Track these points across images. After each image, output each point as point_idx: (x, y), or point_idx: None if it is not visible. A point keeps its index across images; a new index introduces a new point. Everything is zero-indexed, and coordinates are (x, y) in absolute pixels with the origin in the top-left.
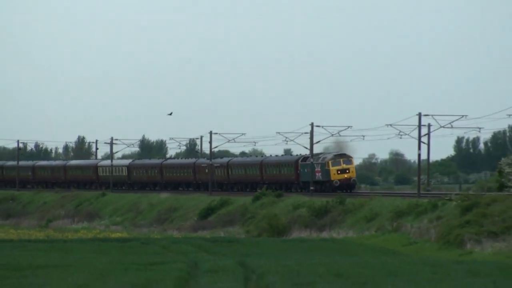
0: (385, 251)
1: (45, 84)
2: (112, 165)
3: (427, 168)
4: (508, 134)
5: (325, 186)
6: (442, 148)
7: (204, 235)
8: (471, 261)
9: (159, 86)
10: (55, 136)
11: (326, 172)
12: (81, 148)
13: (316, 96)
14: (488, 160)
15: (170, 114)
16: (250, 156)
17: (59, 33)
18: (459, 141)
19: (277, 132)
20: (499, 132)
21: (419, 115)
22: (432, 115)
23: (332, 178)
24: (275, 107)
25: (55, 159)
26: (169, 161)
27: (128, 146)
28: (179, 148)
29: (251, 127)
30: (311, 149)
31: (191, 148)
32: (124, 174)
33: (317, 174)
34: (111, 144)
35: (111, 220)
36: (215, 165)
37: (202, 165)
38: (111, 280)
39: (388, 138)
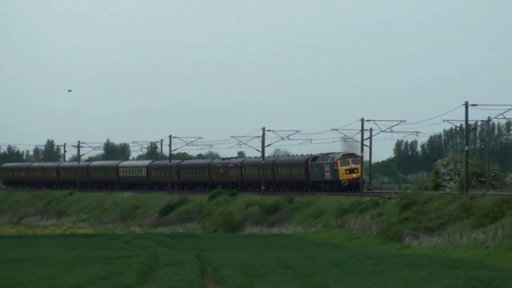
0: (330, 246)
1: (16, 89)
2: (76, 167)
3: (369, 169)
4: (443, 137)
5: (334, 186)
6: (383, 151)
7: (164, 231)
8: (409, 255)
9: (124, 90)
10: (26, 140)
11: (335, 172)
12: (51, 151)
13: (267, 101)
14: (425, 162)
15: (70, 91)
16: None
17: (25, 38)
18: (398, 144)
19: (231, 136)
20: (435, 136)
21: (362, 120)
22: (373, 120)
23: (340, 178)
24: (229, 112)
25: (26, 161)
26: (155, 163)
27: (94, 149)
28: (141, 151)
29: (207, 131)
30: (263, 151)
31: (152, 151)
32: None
33: (326, 173)
34: (78, 147)
35: (78, 217)
36: (230, 165)
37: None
38: (78, 272)
39: (334, 142)
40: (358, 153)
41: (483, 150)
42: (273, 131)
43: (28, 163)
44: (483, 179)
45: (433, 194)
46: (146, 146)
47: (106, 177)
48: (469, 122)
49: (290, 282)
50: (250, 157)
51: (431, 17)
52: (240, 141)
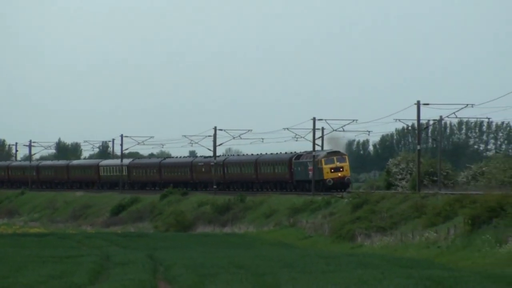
0: (282, 245)
1: None
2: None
3: None
4: (395, 137)
5: (318, 185)
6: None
7: (116, 230)
8: (361, 254)
9: (75, 89)
10: None
11: (319, 171)
12: (2, 150)
13: (219, 101)
14: (376, 161)
15: None
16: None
17: None
18: (350, 143)
19: (183, 135)
20: (387, 135)
21: (314, 119)
22: (325, 120)
23: (325, 177)
24: (181, 111)
25: None
26: (136, 161)
27: (45, 148)
28: (93, 150)
29: (159, 130)
30: (214, 151)
31: (104, 150)
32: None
33: (310, 172)
34: (30, 146)
35: (29, 216)
36: (211, 164)
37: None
38: (30, 272)
39: (285, 141)
40: (342, 149)
41: (435, 149)
42: (224, 130)
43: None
44: (435, 178)
45: (385, 194)
46: (97, 145)
47: (87, 176)
48: (421, 121)
49: (242, 282)
50: (233, 155)
51: (385, 17)
52: (191, 140)
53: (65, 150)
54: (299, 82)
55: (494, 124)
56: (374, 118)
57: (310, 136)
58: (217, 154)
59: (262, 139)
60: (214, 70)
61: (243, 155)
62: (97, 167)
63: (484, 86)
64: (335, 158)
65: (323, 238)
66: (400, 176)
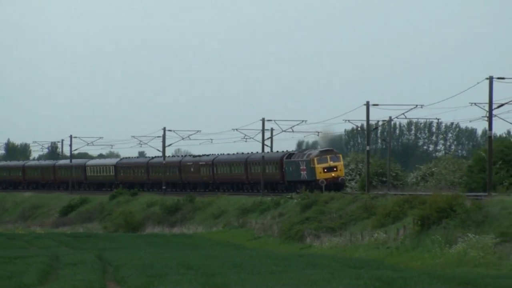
0: (231, 245)
1: None
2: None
3: None
4: (344, 137)
5: (311, 186)
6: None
7: (65, 231)
8: (310, 255)
9: (23, 90)
10: None
11: (312, 171)
12: None
13: (168, 101)
14: None
15: None
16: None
17: None
18: (299, 144)
19: (132, 136)
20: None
21: (263, 120)
22: (274, 120)
23: (317, 178)
24: (130, 112)
25: None
26: (124, 161)
27: None
28: (42, 151)
29: (108, 131)
30: (163, 151)
31: (53, 151)
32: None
33: (302, 172)
34: None
35: None
36: (201, 163)
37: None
38: None
39: (234, 142)
40: (335, 147)
41: (384, 150)
42: (174, 131)
43: None
44: (384, 179)
45: (334, 194)
46: (46, 146)
47: (73, 177)
48: (370, 122)
49: (191, 282)
50: (223, 154)
51: (328, 17)
52: (141, 141)
53: (14, 151)
54: (247, 83)
55: (443, 124)
56: (324, 119)
57: (259, 137)
58: (166, 155)
59: (211, 139)
60: (163, 71)
61: (233, 154)
62: (84, 167)
63: (434, 87)
64: (328, 157)
65: (272, 238)
66: (349, 177)
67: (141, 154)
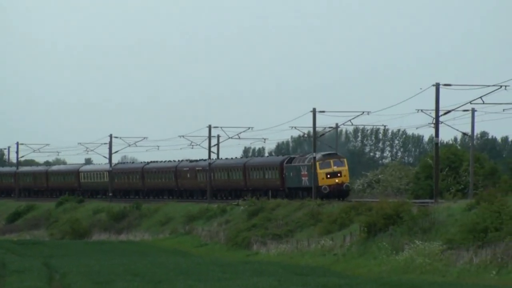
0: (178, 252)
1: None
2: None
3: None
4: (291, 144)
5: (313, 193)
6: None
7: (12, 238)
8: (257, 262)
9: None
10: None
11: (313, 177)
12: None
13: (114, 108)
14: None
15: None
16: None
17: None
18: (246, 151)
19: (78, 143)
20: (282, 142)
21: (209, 127)
22: (221, 127)
23: (320, 184)
24: (76, 118)
25: None
26: (119, 166)
27: None
28: None
29: (54, 138)
30: (110, 158)
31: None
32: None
33: (303, 178)
34: None
35: None
36: (197, 168)
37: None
38: None
39: (181, 149)
40: (338, 151)
41: None
42: (120, 137)
43: None
44: None
45: (281, 201)
46: None
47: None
48: (317, 128)
49: None
50: (221, 158)
51: (276, 22)
52: (87, 148)
53: None
54: (194, 88)
55: (390, 131)
56: (270, 125)
57: (206, 144)
58: (113, 162)
59: (158, 146)
60: (109, 76)
61: (231, 158)
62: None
63: (380, 94)
64: (331, 161)
65: (219, 245)
66: None
67: (88, 161)
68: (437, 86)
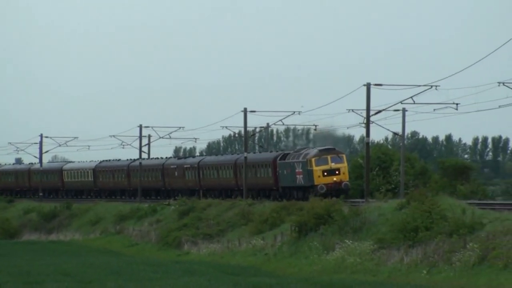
0: (109, 252)
1: None
2: None
3: None
4: (222, 143)
5: (308, 192)
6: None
7: None
8: (188, 261)
9: None
10: None
11: (309, 174)
12: None
13: (44, 107)
14: None
15: None
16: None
17: None
18: (177, 150)
19: (9, 142)
20: (213, 142)
21: (140, 126)
22: (152, 127)
23: (316, 183)
24: (5, 118)
25: None
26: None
27: None
28: None
29: None
30: (40, 158)
31: None
32: None
33: (298, 176)
34: None
35: None
36: (185, 166)
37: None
38: None
39: (112, 148)
40: (337, 145)
41: None
42: (50, 137)
43: None
44: None
45: (212, 201)
46: None
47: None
48: (248, 128)
49: None
50: (210, 155)
51: (203, 22)
52: (17, 147)
53: None
54: (125, 88)
55: (320, 131)
56: (201, 125)
57: (137, 143)
58: (44, 161)
59: (89, 146)
60: (40, 75)
61: (221, 155)
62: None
63: (311, 93)
64: (329, 157)
65: (150, 245)
66: None
67: (18, 160)
68: (368, 86)
